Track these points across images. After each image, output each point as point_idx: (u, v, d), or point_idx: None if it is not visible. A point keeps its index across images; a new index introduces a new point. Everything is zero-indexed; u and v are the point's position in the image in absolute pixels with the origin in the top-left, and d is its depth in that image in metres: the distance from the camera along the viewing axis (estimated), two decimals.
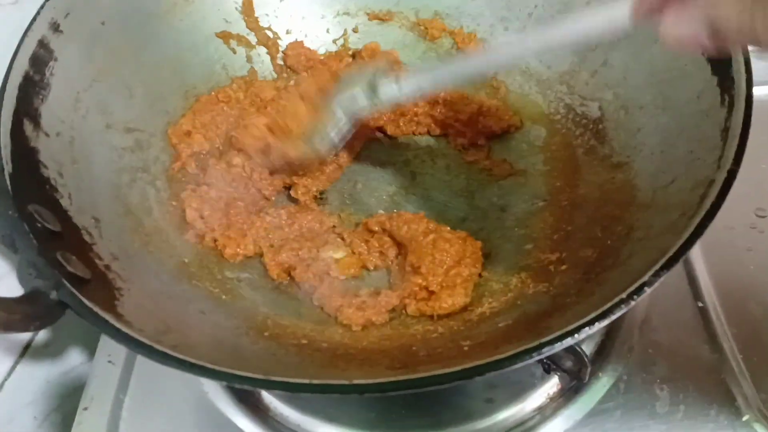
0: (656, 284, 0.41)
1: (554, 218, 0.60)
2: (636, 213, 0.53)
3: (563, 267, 0.55)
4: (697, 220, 0.43)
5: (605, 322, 0.41)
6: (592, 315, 0.41)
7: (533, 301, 0.53)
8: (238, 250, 0.59)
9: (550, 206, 0.62)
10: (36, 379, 0.68)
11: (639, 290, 0.41)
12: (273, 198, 0.64)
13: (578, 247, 0.55)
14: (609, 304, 0.41)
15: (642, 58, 0.59)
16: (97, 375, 0.62)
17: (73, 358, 0.72)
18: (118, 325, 0.42)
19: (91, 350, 0.72)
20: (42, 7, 0.56)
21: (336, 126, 0.58)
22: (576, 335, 0.40)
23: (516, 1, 0.69)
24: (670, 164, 0.53)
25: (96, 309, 0.43)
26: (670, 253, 0.42)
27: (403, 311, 0.57)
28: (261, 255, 0.60)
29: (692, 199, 0.46)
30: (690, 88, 0.53)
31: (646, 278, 0.41)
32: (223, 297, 0.56)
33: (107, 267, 0.50)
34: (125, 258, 0.52)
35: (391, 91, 0.56)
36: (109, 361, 0.63)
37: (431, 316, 0.56)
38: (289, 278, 0.59)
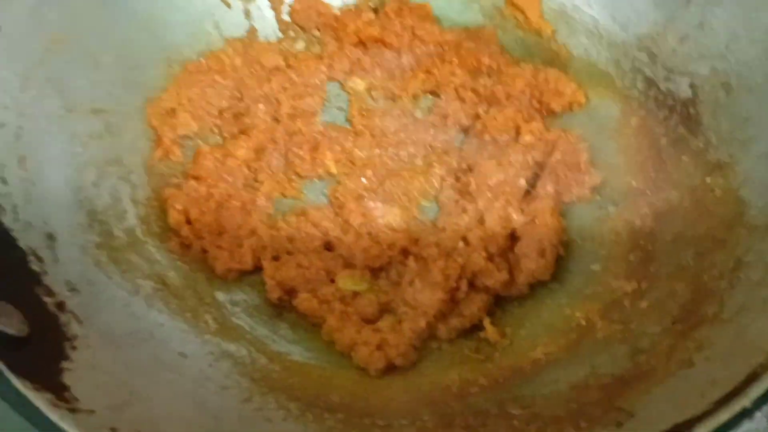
0: None
1: (630, 230, 0.48)
2: (744, 238, 0.41)
3: (644, 304, 0.43)
4: None
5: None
6: (701, 410, 0.30)
7: (605, 351, 0.41)
8: (232, 264, 0.48)
9: (624, 213, 0.49)
10: None
11: None
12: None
13: (663, 278, 0.43)
14: (727, 403, 0.29)
15: (755, 21, 0.46)
16: None
17: None
18: (55, 416, 0.31)
19: None
20: None
21: None
22: None
23: None
24: None
25: (28, 389, 0.32)
26: None
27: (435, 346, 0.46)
28: (261, 269, 0.49)
29: None
30: None
31: None
32: (212, 328, 0.45)
33: (60, 306, 0.40)
34: (86, 286, 0.42)
35: None
36: None
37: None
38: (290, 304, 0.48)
